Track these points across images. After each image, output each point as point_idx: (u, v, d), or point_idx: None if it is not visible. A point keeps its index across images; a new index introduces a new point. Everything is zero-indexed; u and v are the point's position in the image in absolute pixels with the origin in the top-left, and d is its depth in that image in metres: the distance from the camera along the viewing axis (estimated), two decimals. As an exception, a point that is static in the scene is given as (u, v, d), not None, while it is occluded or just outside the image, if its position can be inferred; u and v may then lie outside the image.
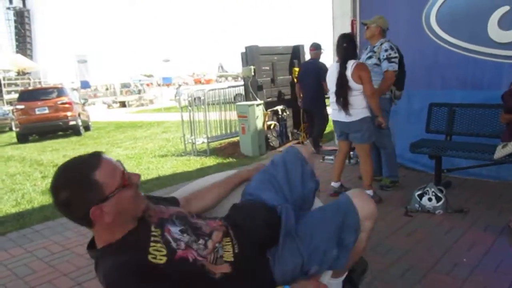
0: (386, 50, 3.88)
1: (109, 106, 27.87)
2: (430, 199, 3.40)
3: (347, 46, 3.65)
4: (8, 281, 2.71)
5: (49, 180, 5.61)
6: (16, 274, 2.81)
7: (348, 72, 3.58)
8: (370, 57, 4.03)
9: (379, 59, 3.94)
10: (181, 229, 1.33)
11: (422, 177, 4.48)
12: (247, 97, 7.26)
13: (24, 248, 3.25)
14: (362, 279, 1.90)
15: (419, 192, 3.47)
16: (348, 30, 5.18)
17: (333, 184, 4.14)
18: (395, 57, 3.87)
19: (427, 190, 3.43)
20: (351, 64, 3.59)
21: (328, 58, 6.74)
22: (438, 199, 3.38)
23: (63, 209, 1.22)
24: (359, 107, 3.68)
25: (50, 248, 3.22)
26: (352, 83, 3.58)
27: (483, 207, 3.49)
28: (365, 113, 3.71)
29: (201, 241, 1.33)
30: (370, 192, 3.80)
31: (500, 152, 3.22)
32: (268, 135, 6.93)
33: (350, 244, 1.47)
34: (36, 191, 5.11)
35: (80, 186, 1.18)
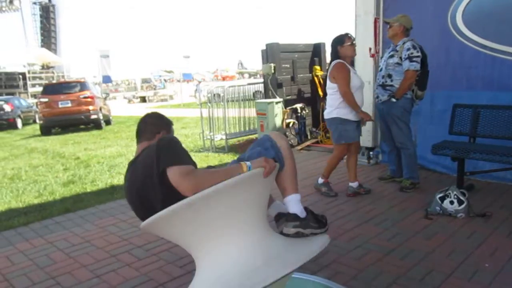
0: (408, 49, 3.82)
1: (129, 101, 28.27)
2: (452, 202, 3.32)
3: (335, 49, 3.86)
4: (29, 271, 2.78)
5: (70, 173, 5.77)
6: (37, 264, 2.87)
7: (328, 72, 3.87)
8: (392, 56, 3.98)
9: (400, 58, 3.88)
10: None
11: (443, 179, 4.40)
12: (266, 94, 7.25)
13: (45, 239, 3.33)
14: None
15: (440, 195, 3.40)
16: (371, 28, 5.11)
17: (351, 184, 4.11)
18: (417, 57, 3.81)
19: (449, 193, 3.35)
20: (332, 64, 3.84)
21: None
22: (460, 202, 3.30)
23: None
24: (331, 107, 3.91)
25: (70, 240, 3.28)
26: (328, 82, 3.87)
27: (506, 212, 3.40)
28: (334, 113, 3.87)
29: None
30: (354, 184, 4.06)
31: (526, 155, 3.12)
32: (287, 133, 6.90)
33: (269, 148, 1.99)
34: (58, 183, 5.22)
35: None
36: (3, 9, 35.03)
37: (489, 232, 3.02)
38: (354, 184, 4.10)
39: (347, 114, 3.83)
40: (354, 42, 3.85)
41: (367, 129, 5.40)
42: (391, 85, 3.98)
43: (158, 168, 1.68)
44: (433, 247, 2.83)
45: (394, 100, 3.97)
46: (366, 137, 5.45)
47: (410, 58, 3.81)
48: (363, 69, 5.09)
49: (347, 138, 3.93)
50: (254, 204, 1.86)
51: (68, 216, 3.88)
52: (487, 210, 3.38)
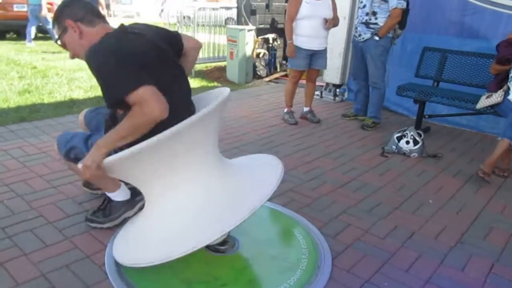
0: None
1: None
2: (407, 142, 3.47)
3: None
4: (-18, 177, 2.70)
5: (26, 81, 5.48)
6: (-10, 171, 2.79)
7: None
8: None
9: None
10: None
11: (403, 121, 4.55)
12: (238, 21, 6.97)
13: (-1, 147, 3.21)
14: None
15: (398, 135, 3.53)
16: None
17: (303, 108, 4.51)
18: None
19: (406, 133, 3.48)
20: None
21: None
22: (415, 142, 3.45)
23: None
24: None
25: (25, 149, 3.18)
26: None
27: (456, 154, 3.61)
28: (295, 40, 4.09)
29: None
30: (305, 108, 4.46)
31: (483, 102, 3.25)
32: (256, 63, 6.77)
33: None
34: (12, 91, 4.94)
35: None
36: None
37: (437, 172, 3.22)
38: (305, 109, 4.46)
39: (297, 41, 4.05)
40: None
41: (336, 66, 5.39)
42: (375, 23, 3.92)
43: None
44: (384, 183, 2.99)
45: (376, 38, 3.93)
46: (334, 74, 5.46)
47: None
48: (340, 3, 4.92)
49: (293, 64, 4.19)
50: (204, 143, 1.80)
51: (24, 125, 3.72)
52: (439, 152, 3.57)
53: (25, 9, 10.75)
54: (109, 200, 2.19)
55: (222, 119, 1.96)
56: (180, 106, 1.81)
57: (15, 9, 10.76)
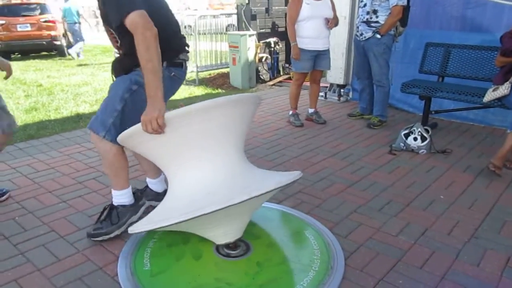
0: None
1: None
2: (415, 139, 3.44)
3: None
4: (-7, 195, 2.72)
5: (33, 100, 5.54)
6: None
7: None
8: None
9: None
10: None
11: (410, 118, 4.53)
12: (239, 26, 6.99)
13: (8, 165, 3.24)
14: None
15: (405, 132, 3.51)
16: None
17: (308, 110, 4.53)
18: None
19: (414, 130, 3.46)
20: None
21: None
22: (423, 139, 3.43)
23: None
24: None
25: (34, 166, 3.21)
26: None
27: (465, 150, 3.57)
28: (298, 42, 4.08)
29: None
30: (310, 110, 4.46)
31: (490, 95, 3.21)
32: (259, 68, 6.79)
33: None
34: (19, 109, 5.00)
35: None
36: None
37: (447, 168, 3.18)
38: (310, 110, 4.47)
39: (300, 43, 4.05)
40: None
41: (340, 66, 5.38)
42: (376, 22, 3.91)
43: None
44: (394, 180, 2.96)
45: (378, 36, 3.92)
46: (338, 74, 5.45)
47: None
48: (339, 2, 4.94)
49: (297, 67, 4.17)
50: (231, 131, 1.91)
51: (32, 142, 3.76)
52: (448, 148, 3.54)
53: (28, 29, 10.92)
54: (113, 207, 2.20)
55: (250, 118, 2.04)
56: (174, 23, 2.10)
57: (19, 30, 10.92)
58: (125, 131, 1.90)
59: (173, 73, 2.09)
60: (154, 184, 2.49)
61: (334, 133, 4.05)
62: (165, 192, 2.49)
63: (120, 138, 1.94)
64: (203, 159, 1.87)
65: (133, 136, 1.88)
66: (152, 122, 1.74)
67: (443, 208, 2.55)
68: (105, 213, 2.20)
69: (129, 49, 1.93)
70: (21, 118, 4.61)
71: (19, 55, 11.61)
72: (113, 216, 2.17)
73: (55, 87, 6.52)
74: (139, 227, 1.88)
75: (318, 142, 3.80)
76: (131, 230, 1.88)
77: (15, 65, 9.64)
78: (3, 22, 10.97)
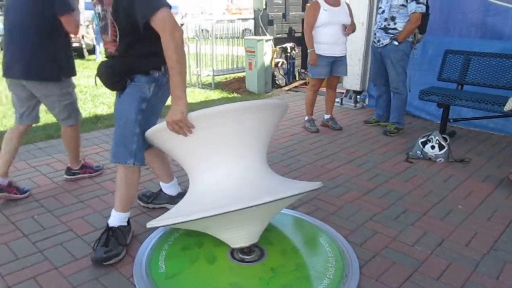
0: None
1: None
2: (433, 147, 3.40)
3: None
4: (13, 193, 2.77)
5: (52, 100, 5.58)
6: (21, 187, 2.87)
7: None
8: None
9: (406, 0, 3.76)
10: None
11: (427, 125, 4.48)
12: (256, 31, 7.01)
13: (28, 163, 3.30)
14: None
15: (422, 140, 3.47)
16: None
17: (324, 115, 4.51)
18: None
19: (431, 138, 3.42)
20: None
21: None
22: (441, 147, 3.38)
23: None
24: None
25: (53, 165, 3.27)
26: None
27: (484, 159, 3.51)
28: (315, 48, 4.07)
29: None
30: (326, 116, 4.44)
31: (511, 104, 3.15)
32: (275, 73, 6.80)
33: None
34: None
35: None
36: None
37: (465, 177, 3.13)
38: (326, 116, 4.44)
39: (318, 49, 4.03)
40: None
41: (356, 72, 5.36)
42: (394, 28, 3.89)
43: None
44: (410, 189, 2.93)
45: (396, 43, 3.90)
46: (354, 80, 5.42)
47: (416, 0, 3.70)
48: (357, 9, 4.93)
49: (314, 73, 4.15)
50: (256, 135, 1.95)
51: (51, 142, 3.84)
52: (466, 156, 3.49)
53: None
54: (115, 229, 2.09)
55: (275, 125, 2.09)
56: None
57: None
58: (153, 128, 1.94)
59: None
60: (167, 188, 2.53)
61: (350, 140, 4.03)
62: (179, 195, 2.52)
63: (148, 133, 1.98)
64: (228, 160, 1.90)
65: (161, 133, 1.93)
66: (178, 123, 1.78)
67: (461, 218, 2.51)
68: (106, 237, 2.06)
69: (125, 51, 1.90)
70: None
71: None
72: (120, 237, 2.07)
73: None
74: (160, 221, 1.90)
75: (334, 148, 3.78)
76: (150, 224, 1.89)
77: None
78: None
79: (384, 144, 3.89)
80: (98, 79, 2.00)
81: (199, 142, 1.86)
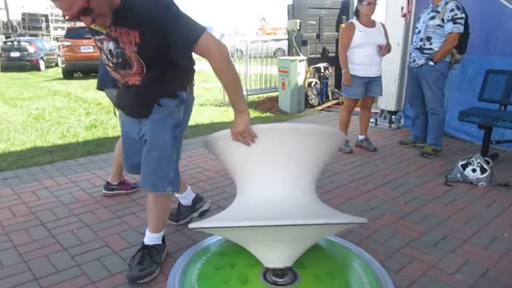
0: (452, 10, 3.65)
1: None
2: (474, 170, 3.27)
3: (356, 6, 4.08)
4: (55, 207, 2.89)
5: (92, 117, 5.85)
6: (61, 201, 2.98)
7: None
8: (432, 18, 3.79)
9: (442, 20, 3.70)
10: None
11: (467, 147, 4.32)
12: (290, 51, 7.08)
13: (69, 178, 3.43)
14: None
15: (463, 162, 3.34)
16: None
17: (358, 136, 4.44)
18: (461, 18, 3.65)
19: (472, 161, 3.29)
20: None
21: (380, 15, 6.38)
22: (483, 170, 3.25)
23: None
24: None
25: (93, 181, 3.38)
26: None
27: (530, 184, 3.34)
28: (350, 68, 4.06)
29: None
30: (360, 136, 4.38)
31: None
32: (308, 93, 6.80)
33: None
34: (80, 126, 5.31)
35: None
36: None
37: (510, 203, 2.98)
38: (360, 137, 4.38)
39: (352, 70, 4.02)
40: (372, 1, 3.89)
41: (392, 92, 5.28)
42: (430, 49, 3.83)
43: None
44: (450, 214, 2.81)
45: (431, 63, 3.83)
46: (390, 101, 5.34)
47: (453, 20, 3.64)
48: (393, 29, 4.89)
49: (349, 93, 4.12)
50: (315, 159, 1.99)
51: (91, 158, 3.97)
52: (510, 181, 3.33)
53: (90, 50, 11.69)
54: (150, 247, 2.11)
55: (331, 153, 2.13)
56: None
57: (82, 51, 11.73)
58: (216, 135, 2.01)
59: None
60: (184, 199, 2.58)
61: (385, 161, 3.94)
62: (196, 199, 2.59)
63: (209, 139, 2.05)
64: (282, 177, 1.93)
65: (223, 141, 1.99)
66: (242, 133, 1.85)
67: (507, 246, 2.38)
68: (141, 255, 2.08)
69: (152, 80, 1.84)
70: (82, 134, 4.89)
71: (81, 75, 12.42)
72: (154, 255, 2.08)
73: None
74: (202, 223, 1.92)
75: (369, 170, 3.71)
76: (192, 226, 1.88)
77: (77, 84, 10.32)
78: (69, 43, 11.85)
79: (421, 166, 3.77)
80: (118, 109, 2.02)
81: (258, 154, 1.90)
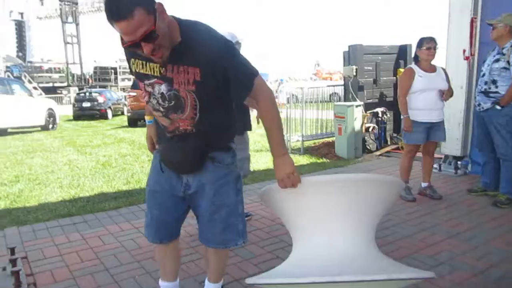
0: None
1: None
2: (557, 224, 2.96)
3: (415, 51, 3.98)
4: (118, 252, 2.99)
5: (154, 164, 6.10)
6: (124, 247, 3.08)
7: None
8: (497, 60, 3.67)
9: (508, 62, 3.55)
10: None
11: (546, 197, 3.95)
12: (346, 97, 7.07)
13: (132, 224, 3.56)
14: None
15: (542, 214, 3.05)
16: (466, 28, 4.76)
17: (421, 183, 4.23)
18: None
19: (554, 213, 2.99)
20: None
21: (441, 59, 6.24)
22: None
23: None
24: None
25: (153, 227, 3.47)
26: None
27: None
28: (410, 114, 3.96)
29: None
30: (423, 184, 4.17)
31: None
32: (366, 138, 6.68)
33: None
34: (143, 173, 5.57)
35: None
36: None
37: None
38: (423, 184, 4.16)
39: (413, 115, 3.92)
40: (432, 46, 3.81)
41: (456, 137, 5.04)
42: (496, 92, 3.67)
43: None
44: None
45: (498, 107, 3.65)
46: (455, 145, 5.09)
47: None
48: (455, 72, 4.75)
49: (410, 139, 4.00)
50: (370, 209, 1.91)
51: (152, 204, 4.10)
52: None
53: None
54: None
55: (390, 203, 2.04)
56: None
57: (147, 100, 12.50)
58: (265, 190, 1.96)
59: None
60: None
61: (452, 211, 3.70)
62: None
63: (262, 194, 2.01)
64: (341, 229, 1.87)
65: (273, 194, 1.95)
66: (289, 176, 1.72)
67: None
68: None
69: (205, 125, 1.74)
70: (144, 180, 5.11)
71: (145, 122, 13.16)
72: None
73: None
74: (261, 279, 1.87)
75: (434, 220, 3.49)
76: (249, 280, 1.85)
77: (141, 132, 10.93)
78: (134, 94, 12.72)
79: (494, 217, 3.49)
80: (165, 165, 1.86)
81: (315, 206, 1.86)
